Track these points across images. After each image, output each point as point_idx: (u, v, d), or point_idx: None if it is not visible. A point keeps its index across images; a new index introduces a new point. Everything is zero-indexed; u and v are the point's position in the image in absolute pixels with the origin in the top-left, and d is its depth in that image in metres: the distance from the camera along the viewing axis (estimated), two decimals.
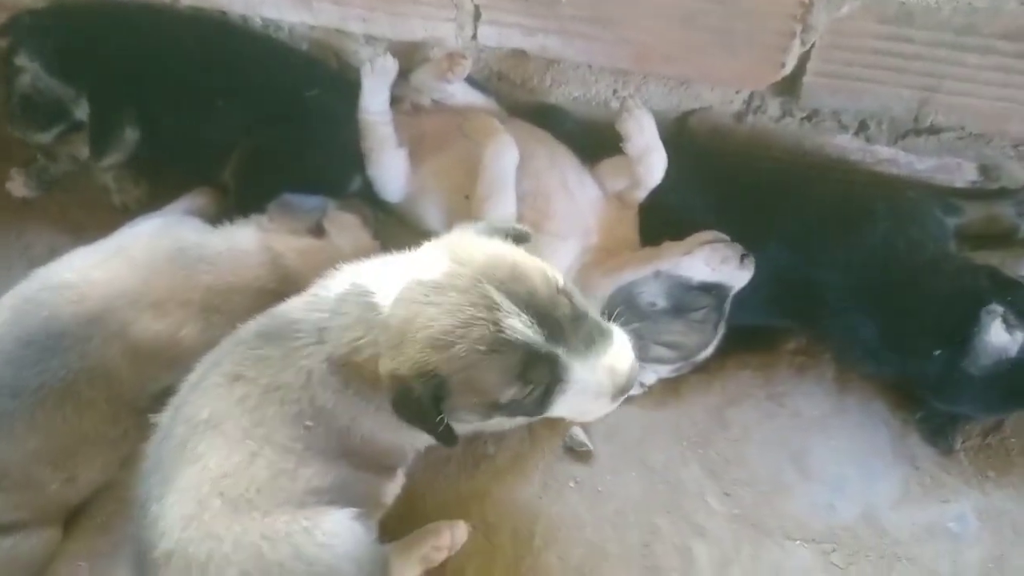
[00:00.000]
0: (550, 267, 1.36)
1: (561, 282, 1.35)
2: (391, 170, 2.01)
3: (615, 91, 2.10)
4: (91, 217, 2.17)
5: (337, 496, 1.44)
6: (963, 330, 1.75)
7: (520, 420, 1.82)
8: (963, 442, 1.92)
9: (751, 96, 2.03)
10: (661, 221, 1.93)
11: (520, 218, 1.85)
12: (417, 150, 2.02)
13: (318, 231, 1.89)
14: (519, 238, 1.44)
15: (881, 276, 1.86)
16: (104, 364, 1.68)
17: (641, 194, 1.93)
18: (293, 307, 1.50)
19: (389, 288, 1.36)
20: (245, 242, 1.82)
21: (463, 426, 1.43)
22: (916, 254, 1.87)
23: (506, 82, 2.16)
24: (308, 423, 1.41)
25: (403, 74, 2.03)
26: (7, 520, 1.66)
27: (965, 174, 2.06)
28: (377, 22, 2.03)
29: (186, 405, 1.45)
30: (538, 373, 1.30)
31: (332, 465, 1.44)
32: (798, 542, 1.78)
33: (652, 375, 1.91)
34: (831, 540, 1.79)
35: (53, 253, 1.83)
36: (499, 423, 1.83)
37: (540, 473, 1.87)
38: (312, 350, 1.41)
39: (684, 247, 1.84)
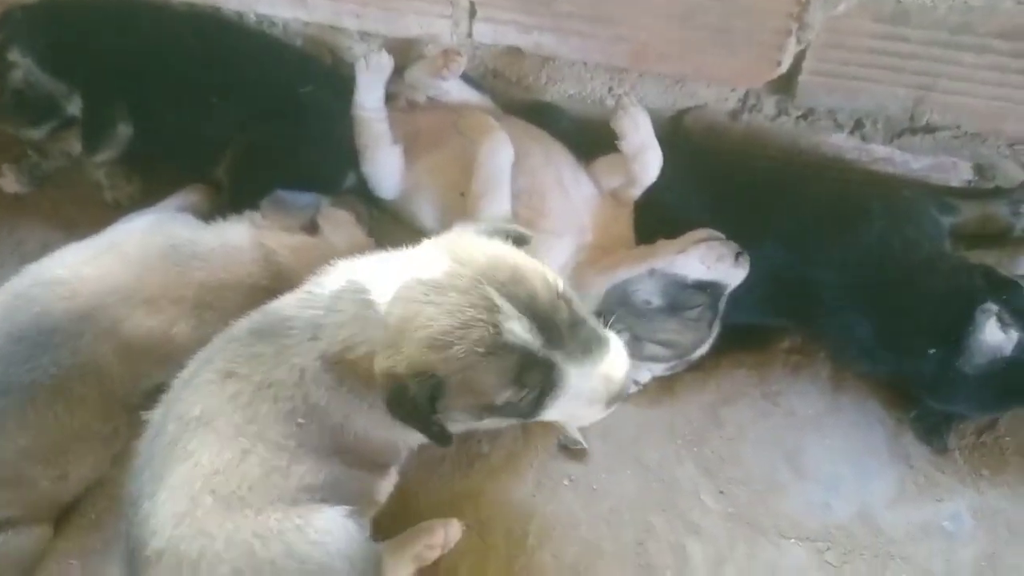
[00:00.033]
0: (551, 271, 1.36)
1: (561, 287, 1.35)
2: (386, 167, 2.00)
3: (611, 89, 2.09)
4: (83, 213, 2.15)
5: (330, 494, 1.43)
6: (958, 329, 1.75)
7: (513, 420, 1.81)
8: (958, 441, 1.92)
9: (747, 94, 2.03)
10: (656, 219, 1.92)
11: (515, 216, 1.84)
12: (412, 147, 2.01)
13: (312, 228, 1.87)
14: (519, 240, 1.43)
15: (877, 275, 1.86)
16: (96, 361, 1.67)
17: (636, 192, 1.92)
18: (286, 304, 1.49)
19: (386, 286, 1.36)
20: (238, 239, 1.81)
21: (456, 425, 1.42)
22: (912, 253, 1.87)
23: (501, 79, 2.15)
24: (301, 420, 1.40)
25: (398, 71, 2.02)
26: None
27: (960, 173, 2.06)
28: (372, 18, 2.03)
29: (178, 402, 1.44)
30: (534, 377, 1.30)
31: (325, 463, 1.43)
32: (793, 540, 1.78)
33: (647, 373, 1.90)
34: (826, 539, 1.78)
35: (45, 249, 1.82)
36: (493, 422, 1.83)
37: (534, 471, 1.86)
38: (306, 347, 1.41)
39: (679, 245, 1.83)
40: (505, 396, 1.31)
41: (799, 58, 1.86)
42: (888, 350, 1.86)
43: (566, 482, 1.85)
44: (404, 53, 2.06)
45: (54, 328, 1.64)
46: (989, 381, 1.76)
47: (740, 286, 1.85)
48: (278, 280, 1.72)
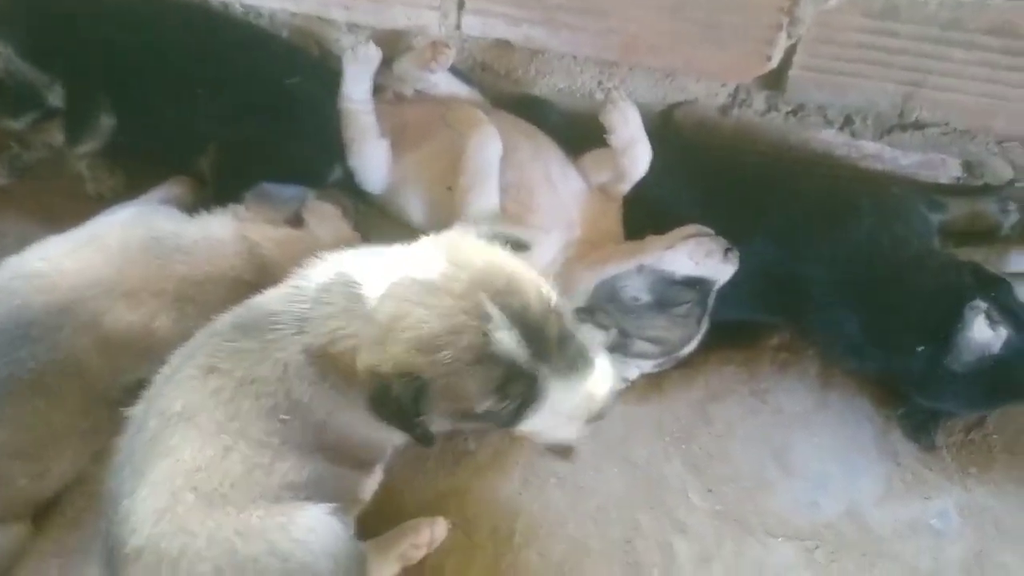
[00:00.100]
0: (545, 283, 1.35)
1: (554, 300, 1.34)
2: (373, 160, 1.98)
3: (600, 83, 2.08)
4: (65, 206, 2.11)
5: (314, 491, 1.41)
6: (947, 326, 1.74)
7: (491, 428, 1.80)
8: (946, 439, 1.92)
9: (737, 89, 2.03)
10: (645, 214, 1.91)
11: (503, 210, 1.83)
12: (399, 140, 2.00)
13: (297, 221, 1.85)
14: (518, 247, 1.42)
15: (865, 272, 1.86)
16: (75, 355, 1.64)
17: (625, 187, 1.91)
18: (272, 299, 1.47)
19: (378, 280, 1.34)
20: (221, 232, 1.78)
21: (438, 426, 1.41)
22: (900, 250, 1.87)
23: (490, 73, 2.14)
24: (284, 416, 1.38)
25: (386, 63, 2.00)
26: None
27: (949, 170, 2.07)
28: (359, 9, 2.02)
29: (160, 398, 1.42)
30: (517, 389, 1.30)
31: (308, 460, 1.41)
32: (780, 539, 1.78)
33: (635, 370, 1.89)
34: (814, 537, 1.78)
35: (25, 242, 1.78)
36: (472, 427, 1.82)
37: (521, 469, 1.85)
38: (290, 341, 1.38)
39: (668, 241, 1.82)
40: (486, 404, 1.30)
41: (789, 53, 1.86)
42: (877, 347, 1.86)
43: (553, 480, 1.84)
44: (392, 45, 2.04)
45: (33, 321, 1.61)
46: (977, 378, 1.76)
47: (729, 282, 1.84)
48: (262, 274, 1.69)
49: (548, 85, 2.13)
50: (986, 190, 2.07)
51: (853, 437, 1.92)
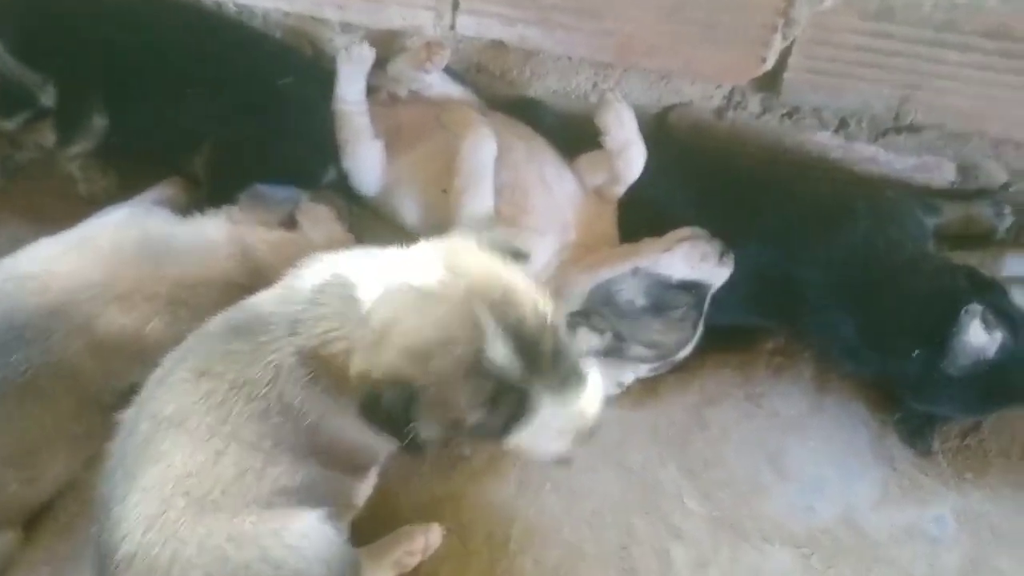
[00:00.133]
0: (542, 296, 1.33)
1: (550, 315, 1.33)
2: (367, 162, 1.97)
3: (595, 84, 2.08)
4: (57, 207, 2.09)
5: (306, 496, 1.40)
6: (942, 330, 1.73)
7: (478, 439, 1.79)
8: (941, 443, 1.91)
9: (732, 91, 2.02)
10: (640, 217, 1.90)
11: (497, 213, 1.82)
12: (393, 142, 1.98)
13: (290, 223, 1.85)
14: (517, 257, 1.40)
15: (861, 275, 1.85)
16: (68, 358, 1.63)
17: (620, 189, 1.91)
18: (265, 300, 1.46)
19: (373, 284, 1.33)
20: (214, 234, 1.78)
21: (427, 434, 1.40)
22: (895, 253, 1.86)
23: (485, 74, 2.13)
24: (275, 420, 1.37)
25: (380, 63, 1.99)
26: None
27: (944, 174, 2.06)
28: (353, 9, 2.01)
29: (151, 401, 1.40)
30: (507, 402, 1.28)
31: (301, 464, 1.40)
32: (776, 545, 1.77)
33: (630, 374, 1.88)
34: (810, 542, 1.77)
35: (17, 243, 1.77)
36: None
37: (516, 474, 1.83)
38: (282, 343, 1.37)
39: (663, 244, 1.81)
40: (476, 416, 1.29)
41: (784, 55, 1.85)
42: (872, 350, 1.85)
43: (548, 485, 1.82)
44: (386, 45, 2.03)
45: (25, 324, 1.60)
46: (973, 383, 1.75)
47: (724, 285, 1.83)
48: (255, 276, 1.68)
49: (543, 87, 2.12)
50: (981, 193, 2.06)
51: (849, 441, 1.91)
